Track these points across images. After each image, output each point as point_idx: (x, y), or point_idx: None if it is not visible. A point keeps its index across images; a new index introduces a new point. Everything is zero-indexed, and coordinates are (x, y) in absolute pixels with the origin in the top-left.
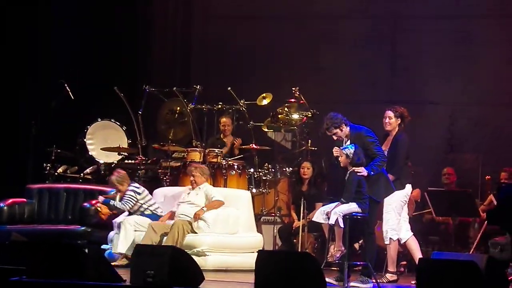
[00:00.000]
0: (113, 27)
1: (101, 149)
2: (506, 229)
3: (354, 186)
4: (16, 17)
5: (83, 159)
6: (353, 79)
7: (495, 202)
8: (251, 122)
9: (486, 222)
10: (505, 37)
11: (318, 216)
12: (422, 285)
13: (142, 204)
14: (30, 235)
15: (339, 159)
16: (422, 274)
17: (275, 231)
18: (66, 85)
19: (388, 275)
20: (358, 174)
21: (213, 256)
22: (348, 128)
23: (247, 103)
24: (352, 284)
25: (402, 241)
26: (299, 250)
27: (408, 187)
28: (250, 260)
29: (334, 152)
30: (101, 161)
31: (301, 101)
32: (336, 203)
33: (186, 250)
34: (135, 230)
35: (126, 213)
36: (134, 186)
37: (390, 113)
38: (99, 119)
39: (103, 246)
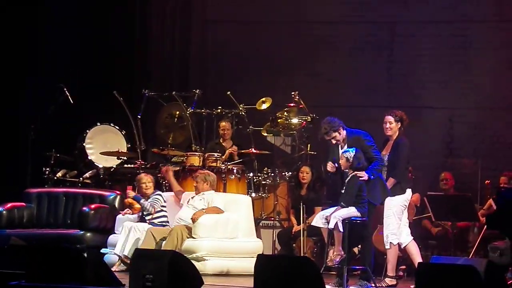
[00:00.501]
0: (112, 31)
1: (100, 153)
2: (506, 234)
3: (356, 191)
4: (15, 19)
5: (82, 163)
6: (351, 84)
7: (494, 207)
8: (251, 127)
9: (485, 226)
10: (503, 41)
11: (317, 220)
12: None
13: (160, 211)
14: (29, 239)
15: (340, 162)
16: (421, 279)
17: (274, 235)
18: (65, 89)
19: (388, 280)
20: (360, 178)
21: (212, 261)
22: (345, 132)
23: (246, 107)
24: None
25: (403, 246)
26: (298, 254)
27: (409, 191)
28: (249, 265)
29: (328, 168)
30: (100, 165)
31: (301, 106)
32: (336, 207)
33: (185, 255)
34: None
35: (136, 217)
36: (161, 193)
37: (390, 118)
38: (98, 123)
39: (102, 250)
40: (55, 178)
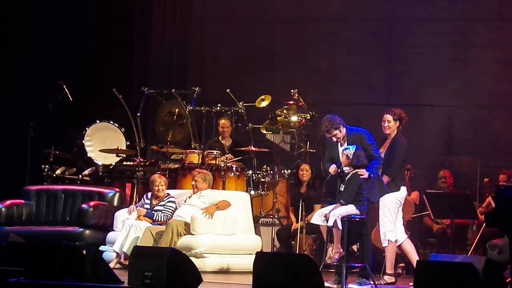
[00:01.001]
0: (111, 28)
1: (99, 150)
2: (504, 232)
3: (356, 189)
4: (13, 15)
5: (82, 161)
6: (350, 81)
7: (493, 205)
8: (250, 124)
9: (484, 224)
10: (503, 40)
11: (316, 218)
12: (420, 287)
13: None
14: (28, 236)
15: (340, 160)
16: (420, 276)
17: (273, 233)
18: (64, 86)
19: (386, 277)
20: (361, 177)
21: (211, 258)
22: (345, 129)
23: (245, 105)
24: (350, 286)
25: (397, 244)
26: (297, 252)
27: (403, 189)
28: (248, 262)
29: (331, 171)
30: (100, 163)
31: (300, 104)
32: (335, 205)
33: (184, 252)
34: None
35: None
36: (174, 198)
37: (388, 117)
38: (98, 121)
39: (101, 248)
40: (54, 175)
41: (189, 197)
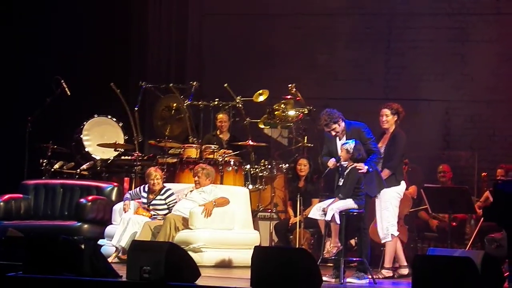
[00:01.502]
0: (108, 23)
1: (97, 145)
2: (502, 226)
3: (354, 183)
4: (12, 11)
5: (80, 155)
6: (349, 76)
7: (491, 199)
8: (248, 119)
9: (482, 218)
10: (501, 34)
11: (314, 212)
12: (418, 281)
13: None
14: (26, 230)
15: (339, 154)
16: (417, 271)
17: (271, 227)
18: (62, 81)
19: (384, 271)
20: (360, 171)
21: (209, 252)
22: (344, 123)
23: (243, 99)
24: (348, 280)
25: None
26: (295, 246)
27: (403, 183)
28: (246, 257)
29: (330, 165)
30: (98, 157)
31: (298, 98)
32: (333, 199)
33: (182, 246)
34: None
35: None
36: (172, 190)
37: (386, 111)
38: (96, 115)
39: (100, 242)
40: (52, 170)
41: (190, 191)
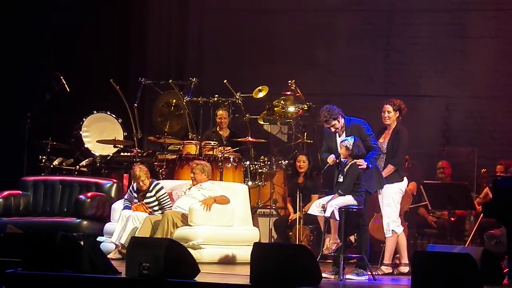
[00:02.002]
0: (108, 19)
1: (96, 141)
2: (502, 222)
3: (354, 179)
4: (11, 7)
5: (79, 152)
6: (348, 72)
7: (490, 195)
8: (247, 115)
9: (481, 215)
10: (500, 30)
11: (314, 209)
12: (417, 278)
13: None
14: (25, 227)
15: (339, 151)
16: (417, 267)
17: (270, 223)
18: (61, 77)
19: (384, 268)
20: (359, 167)
21: (208, 249)
22: (343, 120)
23: (243, 95)
24: (347, 276)
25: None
26: (295, 242)
27: (406, 180)
28: (246, 253)
29: (329, 161)
30: (97, 154)
31: (297, 94)
32: (332, 195)
33: (181, 243)
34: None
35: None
36: (162, 185)
37: (388, 107)
38: (95, 112)
39: (99, 239)
40: (52, 166)
41: (189, 188)
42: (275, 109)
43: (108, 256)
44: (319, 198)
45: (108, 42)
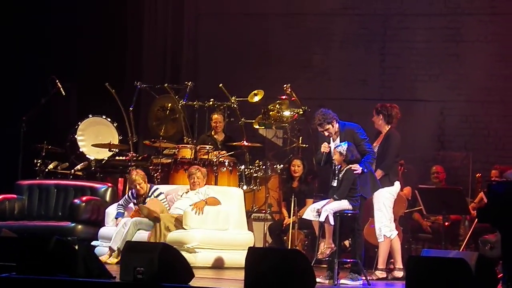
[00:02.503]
0: (104, 23)
1: (92, 145)
2: (497, 227)
3: (350, 184)
4: (9, 10)
5: (74, 156)
6: (344, 76)
7: (485, 200)
8: (243, 119)
9: (476, 220)
10: (495, 34)
11: (308, 213)
12: (412, 283)
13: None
14: (20, 231)
15: (333, 158)
16: (411, 272)
17: (265, 228)
18: (57, 81)
19: (378, 272)
20: (355, 172)
21: (203, 253)
22: (337, 125)
23: (238, 100)
24: (342, 281)
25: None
26: (289, 247)
27: (397, 184)
28: (240, 257)
29: (322, 148)
30: (92, 158)
31: (293, 98)
32: (327, 200)
33: (176, 247)
34: (139, 229)
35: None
36: (160, 190)
37: (373, 112)
38: (90, 115)
39: (93, 243)
40: (47, 170)
41: (186, 192)
42: (271, 113)
43: (103, 260)
44: (314, 202)
45: (104, 46)
